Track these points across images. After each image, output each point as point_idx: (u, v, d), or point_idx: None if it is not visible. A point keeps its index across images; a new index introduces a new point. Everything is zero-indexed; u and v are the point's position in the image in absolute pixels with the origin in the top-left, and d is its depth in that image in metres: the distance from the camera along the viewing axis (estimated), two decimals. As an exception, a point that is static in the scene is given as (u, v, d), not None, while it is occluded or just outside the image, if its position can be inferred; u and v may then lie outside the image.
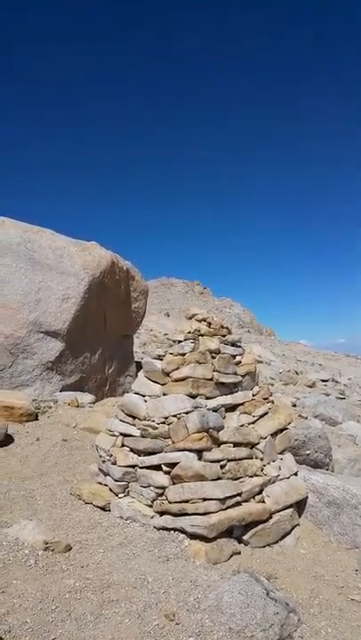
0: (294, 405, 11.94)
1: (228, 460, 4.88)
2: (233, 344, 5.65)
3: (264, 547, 4.87)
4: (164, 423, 4.97)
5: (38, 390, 8.98)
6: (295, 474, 5.62)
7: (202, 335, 5.46)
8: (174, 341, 5.50)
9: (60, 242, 10.39)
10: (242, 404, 5.45)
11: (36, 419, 7.64)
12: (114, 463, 5.13)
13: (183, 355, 5.28)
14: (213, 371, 5.23)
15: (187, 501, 4.55)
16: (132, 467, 5.05)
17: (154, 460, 4.90)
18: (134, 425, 5.22)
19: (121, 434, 5.32)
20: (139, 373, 5.69)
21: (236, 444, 5.04)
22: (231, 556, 4.52)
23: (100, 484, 5.40)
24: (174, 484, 4.73)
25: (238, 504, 4.72)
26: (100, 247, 11.28)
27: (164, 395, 5.17)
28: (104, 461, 5.33)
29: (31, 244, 9.66)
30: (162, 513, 4.76)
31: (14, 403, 7.41)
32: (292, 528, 5.22)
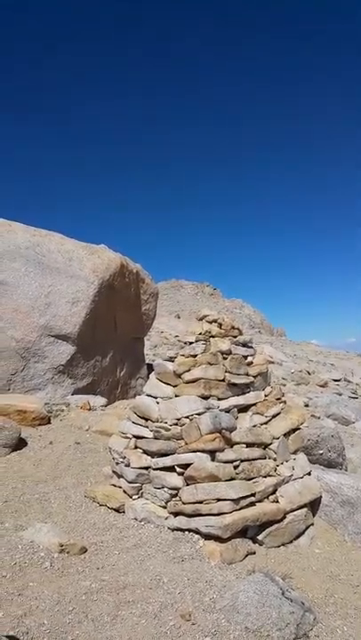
0: (307, 405, 11.90)
1: (242, 461, 4.88)
2: (244, 345, 5.65)
3: (279, 546, 4.86)
4: (176, 425, 4.98)
5: (50, 394, 9.04)
6: (309, 473, 5.60)
7: (213, 336, 5.47)
8: (185, 343, 5.51)
9: (68, 245, 10.44)
10: (254, 404, 5.45)
11: (49, 422, 7.69)
12: (127, 465, 5.16)
13: (195, 356, 5.29)
14: (225, 372, 5.23)
15: (201, 502, 4.56)
16: (146, 468, 5.07)
17: (167, 461, 4.91)
18: (147, 427, 5.24)
19: (134, 436, 5.34)
20: (150, 375, 5.70)
21: (249, 445, 5.04)
22: (246, 555, 4.52)
23: (114, 486, 5.43)
24: (188, 485, 4.74)
25: (252, 504, 4.71)
26: (109, 250, 11.33)
27: (176, 396, 5.18)
28: (117, 463, 5.36)
29: (40, 248, 9.73)
30: (176, 514, 4.77)
31: (27, 407, 7.46)
32: (307, 528, 5.20)
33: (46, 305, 9.20)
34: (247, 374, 5.43)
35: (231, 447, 4.93)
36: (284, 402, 5.84)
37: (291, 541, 4.98)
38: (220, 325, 5.61)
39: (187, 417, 4.93)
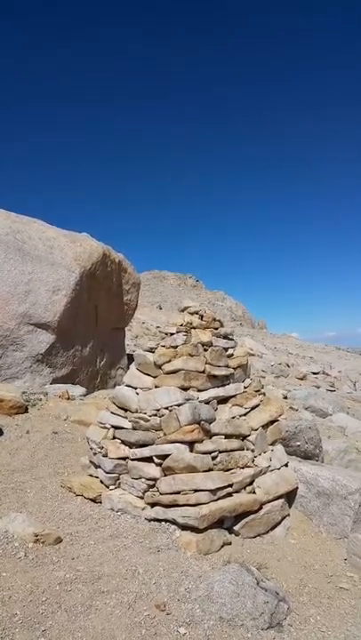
0: (285, 398, 12.01)
1: (220, 452, 4.89)
2: (225, 337, 5.65)
3: (255, 537, 4.90)
4: (155, 415, 4.96)
5: (28, 383, 8.93)
6: (286, 465, 5.65)
7: (194, 328, 5.45)
8: (166, 334, 5.48)
9: (50, 233, 10.29)
10: (234, 396, 5.46)
11: (26, 411, 7.59)
12: (105, 455, 5.12)
13: (175, 347, 5.27)
14: (205, 363, 5.22)
15: (178, 493, 4.56)
16: (124, 459, 5.05)
17: (145, 452, 4.90)
18: (126, 417, 5.21)
19: (112, 426, 5.31)
20: (131, 366, 5.67)
21: (227, 436, 5.05)
22: (222, 546, 4.54)
23: (91, 476, 5.40)
24: (166, 475, 4.74)
25: (229, 495, 4.74)
26: (91, 238, 11.19)
27: (156, 387, 5.16)
28: (95, 454, 5.32)
29: (20, 235, 9.56)
30: (153, 504, 4.77)
31: (3, 395, 7.35)
32: (283, 518, 5.26)
33: (26, 293, 9.05)
34: (227, 366, 5.43)
35: (210, 438, 4.94)
36: (264, 394, 5.87)
37: (267, 532, 5.03)
38: (201, 317, 5.60)
39: (166, 408, 4.91)
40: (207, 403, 5.09)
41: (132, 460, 4.98)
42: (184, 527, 4.51)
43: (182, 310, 5.74)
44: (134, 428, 5.06)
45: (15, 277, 9.04)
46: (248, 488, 4.97)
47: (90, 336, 10.74)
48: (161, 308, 39.89)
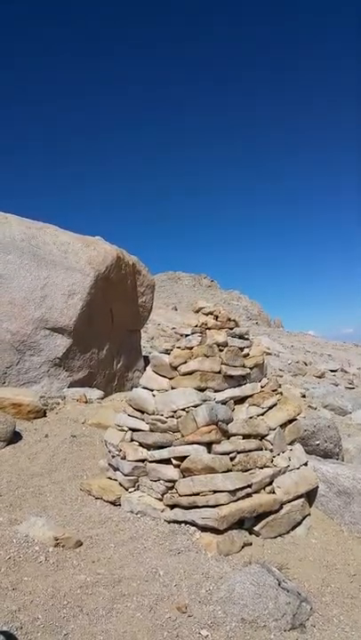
0: (303, 396, 11.91)
1: (238, 452, 4.87)
2: (240, 336, 5.62)
3: (275, 537, 4.86)
4: (172, 417, 4.96)
5: (46, 387, 8.99)
6: (305, 464, 5.59)
7: (209, 328, 5.43)
8: (181, 335, 5.48)
9: (64, 237, 10.35)
10: (250, 396, 5.43)
11: (44, 415, 7.66)
12: (123, 458, 5.13)
13: (191, 348, 5.25)
14: (221, 364, 5.20)
15: (197, 494, 4.55)
16: (142, 461, 5.05)
17: (163, 453, 4.89)
18: (143, 419, 5.21)
19: (130, 429, 5.32)
20: (147, 368, 5.67)
21: (245, 436, 5.02)
22: (242, 547, 4.51)
23: (110, 478, 5.41)
24: (184, 477, 4.73)
25: (249, 495, 4.71)
26: (104, 242, 11.24)
27: (173, 389, 5.15)
28: (113, 456, 5.34)
29: (35, 241, 9.64)
30: (172, 506, 4.76)
31: (22, 400, 7.42)
32: (303, 518, 5.21)
33: (42, 298, 9.13)
34: (243, 366, 5.40)
35: (227, 439, 4.92)
36: (281, 393, 5.82)
37: (288, 532, 4.98)
38: (216, 317, 5.57)
39: (183, 409, 4.90)
40: (224, 403, 5.07)
41: (151, 462, 4.98)
42: (204, 528, 4.49)
43: (197, 311, 5.73)
44: (152, 430, 5.06)
45: (31, 283, 9.12)
46: (268, 488, 4.94)
47: (106, 339, 10.78)
48: (176, 309, 39.89)
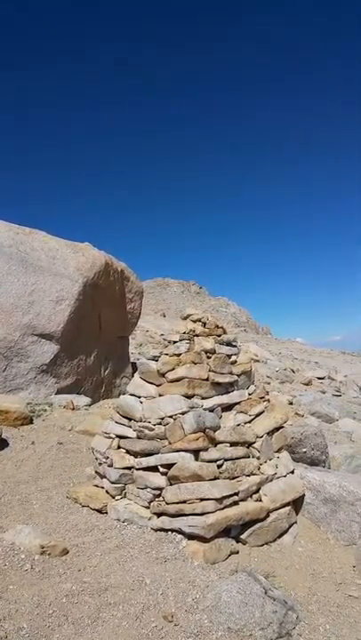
0: (291, 403, 11.98)
1: (225, 460, 4.87)
2: (228, 344, 5.64)
3: (262, 545, 4.86)
4: (160, 424, 4.95)
5: (33, 394, 8.93)
6: (292, 472, 5.61)
7: (197, 335, 5.44)
8: (169, 342, 5.48)
9: (52, 243, 10.33)
10: (238, 403, 5.44)
11: (31, 422, 7.59)
12: (110, 465, 5.11)
13: (178, 355, 5.26)
14: (209, 371, 5.21)
15: (184, 502, 4.54)
16: (129, 468, 5.03)
17: (151, 461, 4.88)
18: (130, 426, 5.20)
19: (117, 436, 5.30)
20: (134, 375, 5.67)
21: (232, 444, 5.03)
22: (229, 555, 4.51)
23: (97, 486, 5.37)
24: (171, 484, 4.71)
25: (236, 503, 4.70)
26: (93, 248, 11.23)
27: (160, 395, 5.15)
28: (100, 464, 5.31)
29: (23, 246, 9.60)
30: (159, 514, 4.74)
31: (8, 407, 7.35)
32: (290, 526, 5.21)
33: (30, 303, 9.09)
34: (231, 373, 5.42)
35: (215, 446, 4.92)
36: (268, 400, 5.84)
37: (274, 540, 4.99)
38: (204, 324, 5.59)
39: (170, 416, 4.90)
40: (211, 410, 5.08)
41: (138, 469, 4.97)
42: (191, 537, 4.49)
43: (185, 318, 5.74)
44: (139, 437, 5.04)
45: (19, 289, 9.07)
46: (254, 496, 4.94)
47: (94, 345, 10.75)
48: (165, 316, 39.89)
